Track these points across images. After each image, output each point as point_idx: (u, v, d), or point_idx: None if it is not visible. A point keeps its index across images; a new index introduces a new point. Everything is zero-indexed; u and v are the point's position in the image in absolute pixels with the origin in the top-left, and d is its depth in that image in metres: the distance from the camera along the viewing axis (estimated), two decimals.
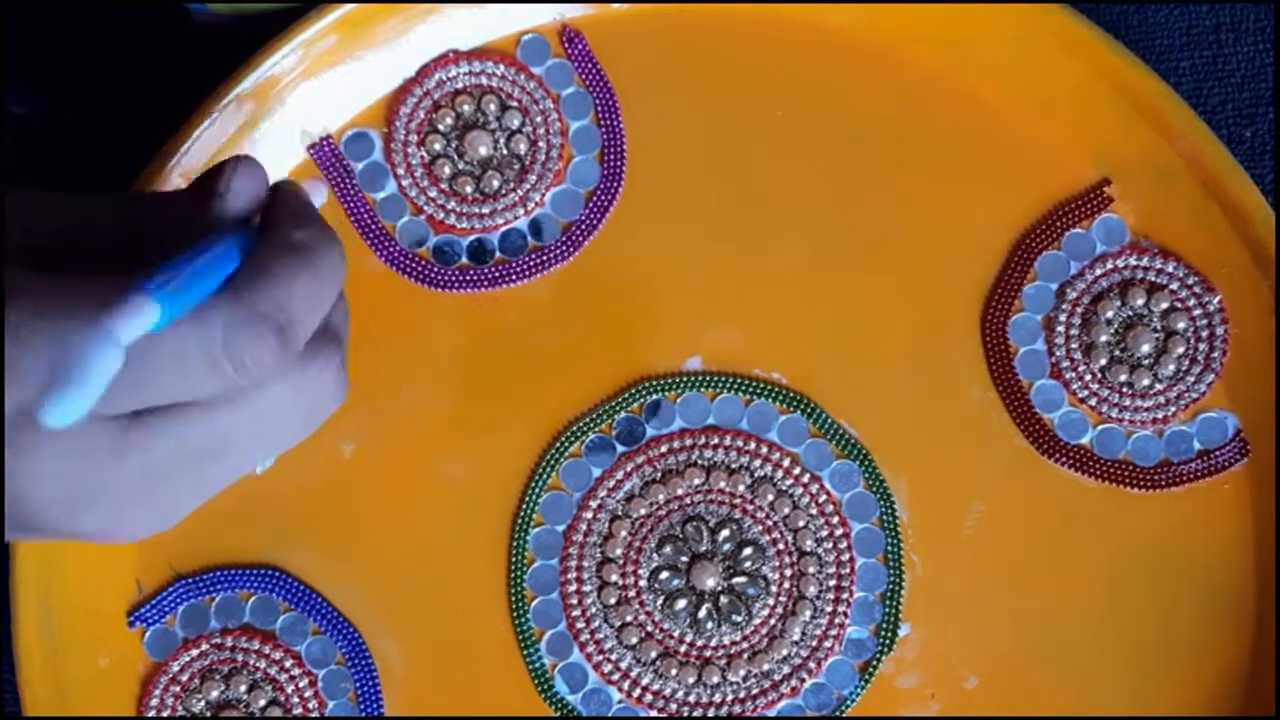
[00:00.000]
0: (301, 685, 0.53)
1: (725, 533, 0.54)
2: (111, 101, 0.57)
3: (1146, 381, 0.54)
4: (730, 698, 0.53)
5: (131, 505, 0.39)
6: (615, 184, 0.55)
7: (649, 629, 0.53)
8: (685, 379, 0.54)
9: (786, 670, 0.53)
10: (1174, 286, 0.55)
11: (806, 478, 0.54)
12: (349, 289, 0.55)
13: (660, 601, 0.53)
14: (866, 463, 0.54)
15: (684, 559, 0.54)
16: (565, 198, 0.55)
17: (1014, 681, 0.53)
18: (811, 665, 0.53)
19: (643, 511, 0.54)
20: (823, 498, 0.54)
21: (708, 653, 0.53)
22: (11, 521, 0.38)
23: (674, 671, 0.53)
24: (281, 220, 0.41)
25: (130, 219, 0.41)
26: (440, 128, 0.55)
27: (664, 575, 0.53)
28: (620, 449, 0.54)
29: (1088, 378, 0.55)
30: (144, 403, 0.37)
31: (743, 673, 0.53)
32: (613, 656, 0.53)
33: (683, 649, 0.53)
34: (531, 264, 0.55)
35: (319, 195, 0.44)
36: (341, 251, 0.41)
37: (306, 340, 0.39)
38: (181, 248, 0.38)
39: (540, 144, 0.56)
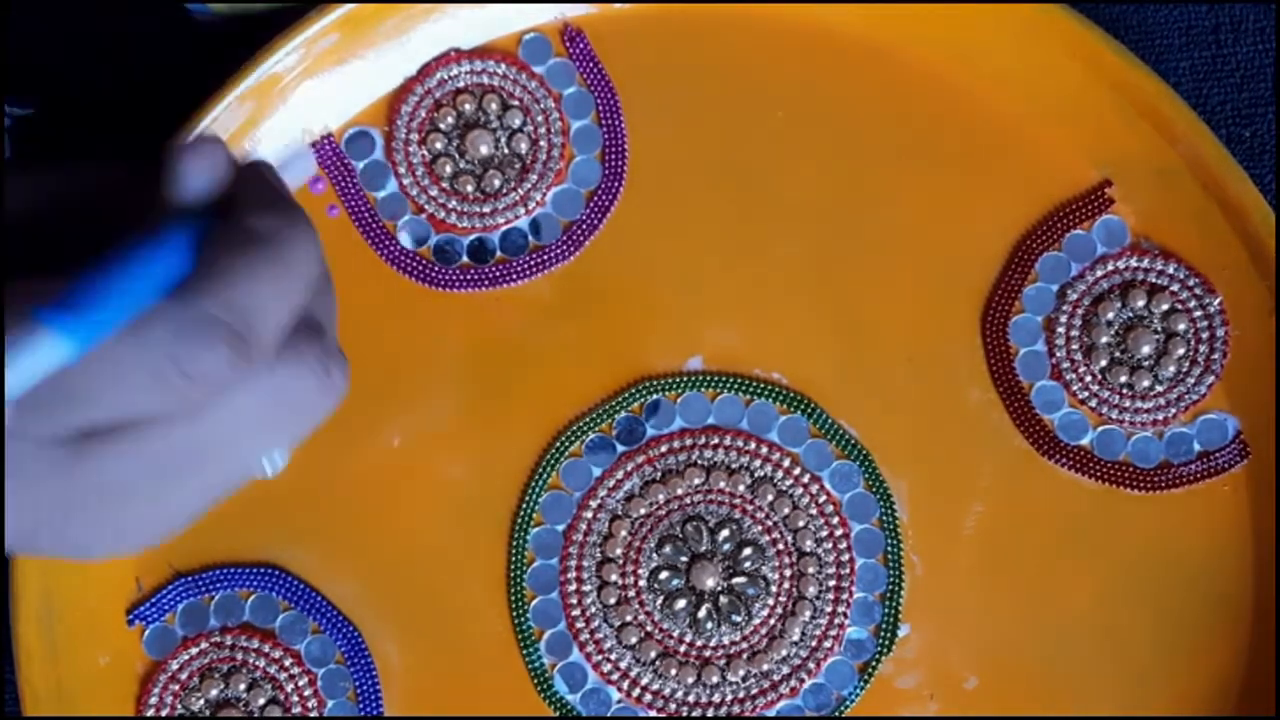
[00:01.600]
0: (301, 684, 0.53)
1: (725, 533, 0.54)
2: (112, 101, 0.57)
3: (1147, 383, 0.54)
4: (729, 698, 0.53)
5: (91, 524, 0.36)
6: (616, 184, 0.55)
7: (648, 629, 0.53)
8: (685, 379, 0.54)
9: (786, 670, 0.53)
10: (1174, 288, 0.55)
11: (806, 478, 0.54)
12: (349, 288, 0.55)
13: (660, 601, 0.53)
14: (866, 463, 0.54)
15: (684, 559, 0.54)
16: (566, 197, 0.55)
17: (1013, 682, 0.53)
18: (811, 665, 0.53)
19: (643, 511, 0.54)
20: (822, 498, 0.54)
21: (707, 653, 0.53)
22: None
23: (673, 671, 0.53)
24: (242, 207, 0.36)
25: (75, 211, 0.37)
26: (441, 126, 0.55)
27: (664, 575, 0.53)
28: (620, 449, 0.54)
29: (1088, 379, 0.55)
30: (90, 422, 0.34)
31: (742, 673, 0.53)
32: (612, 656, 0.53)
33: (682, 649, 0.53)
34: (532, 263, 0.55)
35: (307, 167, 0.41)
36: (314, 238, 0.37)
37: (272, 340, 0.35)
38: (125, 241, 0.34)
39: (541, 143, 0.56)
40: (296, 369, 0.36)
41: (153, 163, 0.37)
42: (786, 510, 0.54)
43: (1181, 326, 0.55)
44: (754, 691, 0.53)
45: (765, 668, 0.53)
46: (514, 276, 0.55)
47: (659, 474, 0.54)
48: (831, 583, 0.54)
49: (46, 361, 0.32)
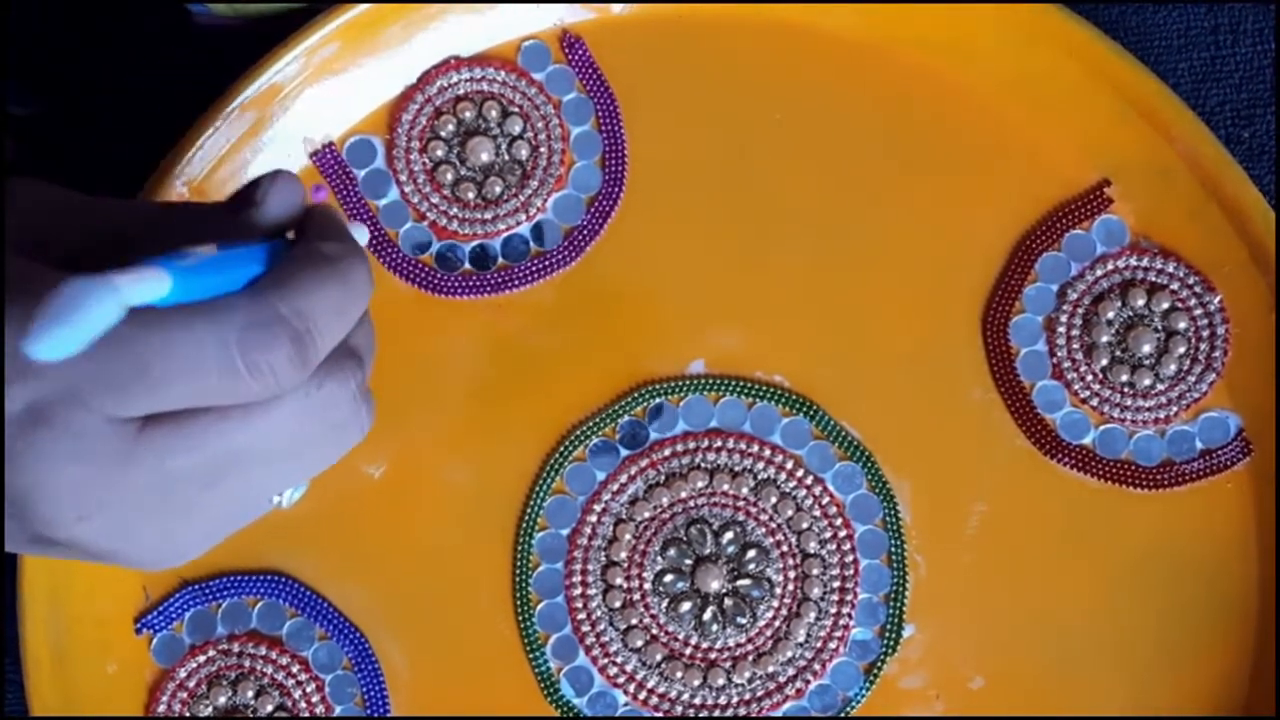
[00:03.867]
0: (308, 690, 0.53)
1: (729, 535, 0.54)
2: (112, 103, 0.57)
3: (1148, 381, 0.55)
4: (735, 700, 0.53)
5: (139, 520, 0.38)
6: (616, 189, 0.56)
7: (654, 632, 0.54)
8: (688, 382, 0.55)
9: (791, 672, 0.54)
10: (1174, 286, 0.55)
11: (809, 480, 0.54)
12: None
13: (665, 604, 0.54)
14: (869, 464, 0.54)
15: (688, 562, 0.54)
16: (567, 203, 0.56)
17: (1018, 682, 0.53)
18: (816, 667, 0.54)
19: (646, 515, 0.54)
20: (826, 500, 0.54)
21: (713, 655, 0.54)
22: (21, 527, 0.38)
23: (679, 674, 0.53)
24: (313, 234, 0.40)
25: (159, 229, 0.40)
26: (442, 134, 0.56)
27: (668, 578, 0.54)
28: (624, 452, 0.54)
29: (1089, 378, 0.55)
30: (157, 404, 0.36)
31: (748, 675, 0.53)
32: (618, 659, 0.53)
33: (688, 651, 0.54)
34: (534, 269, 0.55)
35: (361, 236, 0.43)
36: (370, 273, 0.40)
37: (326, 354, 0.38)
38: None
39: (541, 149, 0.56)
40: (339, 385, 0.39)
41: (231, 198, 0.41)
42: (790, 512, 0.54)
43: (1182, 325, 0.55)
44: (760, 693, 0.54)
45: (771, 669, 0.53)
46: (516, 282, 0.55)
47: (662, 477, 0.54)
48: (836, 584, 0.54)
49: (149, 290, 0.34)
